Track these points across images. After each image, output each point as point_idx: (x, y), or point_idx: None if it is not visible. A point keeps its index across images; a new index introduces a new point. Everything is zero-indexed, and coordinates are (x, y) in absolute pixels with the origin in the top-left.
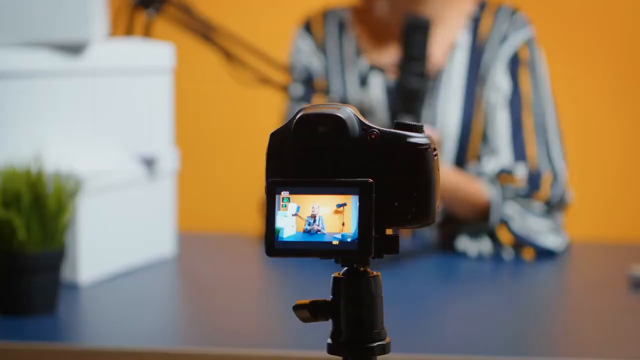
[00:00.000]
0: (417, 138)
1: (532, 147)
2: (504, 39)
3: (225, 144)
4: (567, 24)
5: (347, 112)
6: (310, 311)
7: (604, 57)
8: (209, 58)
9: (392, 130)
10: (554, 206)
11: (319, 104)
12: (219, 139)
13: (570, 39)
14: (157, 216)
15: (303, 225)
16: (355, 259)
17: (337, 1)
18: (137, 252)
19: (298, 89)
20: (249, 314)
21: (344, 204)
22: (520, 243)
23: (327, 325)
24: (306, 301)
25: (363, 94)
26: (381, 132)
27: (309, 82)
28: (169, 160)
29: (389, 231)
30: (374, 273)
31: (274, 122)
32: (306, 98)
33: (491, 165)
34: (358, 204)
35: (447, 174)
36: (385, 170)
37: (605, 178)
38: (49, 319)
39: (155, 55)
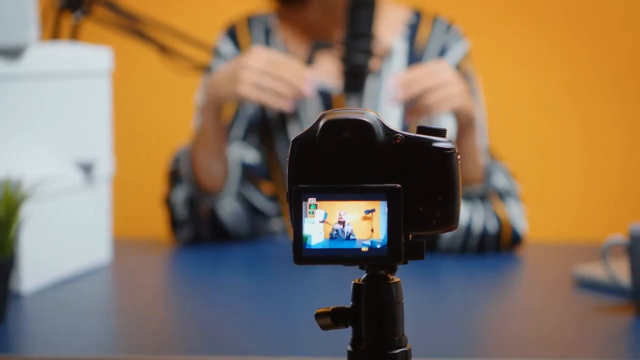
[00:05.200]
0: (442, 142)
1: None
2: (443, 50)
3: (158, 149)
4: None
5: (372, 117)
6: (332, 318)
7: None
8: (136, 62)
9: (416, 134)
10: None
11: (341, 109)
12: (152, 143)
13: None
14: (93, 222)
15: (331, 232)
16: (384, 265)
17: (260, 7)
18: (74, 259)
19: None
20: (188, 320)
21: (373, 210)
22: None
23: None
24: (327, 309)
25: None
26: (405, 136)
27: None
28: (105, 165)
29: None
30: (395, 279)
31: None
32: None
33: None
34: (387, 209)
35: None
36: (411, 175)
37: (550, 178)
38: None
39: (92, 59)
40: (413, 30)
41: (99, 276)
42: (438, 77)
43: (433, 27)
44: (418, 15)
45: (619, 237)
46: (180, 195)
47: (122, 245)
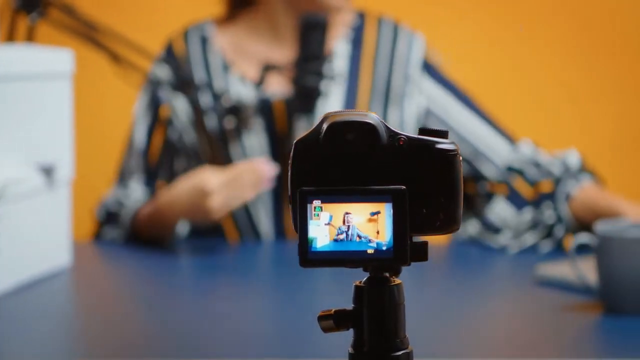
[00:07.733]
0: (445, 144)
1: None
2: (407, 59)
3: (119, 153)
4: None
5: (375, 119)
6: (335, 321)
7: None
8: (97, 64)
9: (419, 136)
10: None
11: (343, 111)
12: (113, 147)
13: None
14: (54, 225)
15: (336, 235)
16: (389, 268)
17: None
18: (34, 263)
19: None
20: (150, 324)
21: (378, 212)
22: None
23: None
24: (330, 311)
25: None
26: (409, 138)
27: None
28: (66, 168)
29: None
30: (397, 281)
31: None
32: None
33: (571, 159)
34: (392, 211)
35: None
36: (414, 176)
37: None
38: None
39: (54, 61)
40: (358, 32)
41: (59, 280)
42: None
43: (379, 29)
44: (362, 16)
45: (586, 236)
46: (113, 233)
47: (82, 248)
